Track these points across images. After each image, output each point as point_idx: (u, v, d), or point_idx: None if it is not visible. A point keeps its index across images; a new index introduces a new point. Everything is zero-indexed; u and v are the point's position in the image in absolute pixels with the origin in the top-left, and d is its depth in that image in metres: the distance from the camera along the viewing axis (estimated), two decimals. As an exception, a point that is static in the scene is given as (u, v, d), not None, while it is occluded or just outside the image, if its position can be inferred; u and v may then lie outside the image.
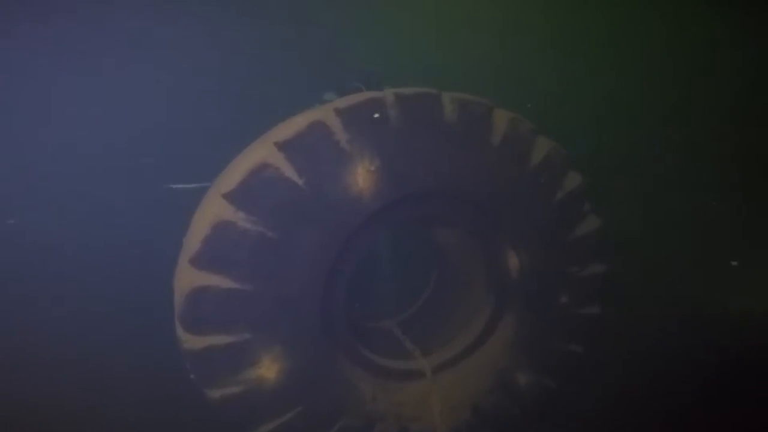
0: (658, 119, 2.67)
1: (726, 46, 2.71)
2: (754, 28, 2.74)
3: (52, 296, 2.30)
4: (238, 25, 2.72)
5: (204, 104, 2.62)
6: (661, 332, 2.52)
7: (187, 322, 1.49)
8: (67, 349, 2.19)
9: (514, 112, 2.01)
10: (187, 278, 1.46)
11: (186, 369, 1.53)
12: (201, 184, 1.70)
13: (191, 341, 1.49)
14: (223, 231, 1.46)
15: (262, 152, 1.48)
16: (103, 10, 2.48)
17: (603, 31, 2.75)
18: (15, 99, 2.40)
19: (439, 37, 2.81)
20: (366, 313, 2.61)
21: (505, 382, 2.27)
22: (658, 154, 2.53)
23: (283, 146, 1.49)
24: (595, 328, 2.34)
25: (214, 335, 1.50)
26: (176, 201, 1.62)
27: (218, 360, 1.51)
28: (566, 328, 2.31)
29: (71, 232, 2.37)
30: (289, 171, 1.48)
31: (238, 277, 1.48)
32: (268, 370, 1.59)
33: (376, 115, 1.60)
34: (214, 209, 1.47)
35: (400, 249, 2.59)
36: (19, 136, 2.41)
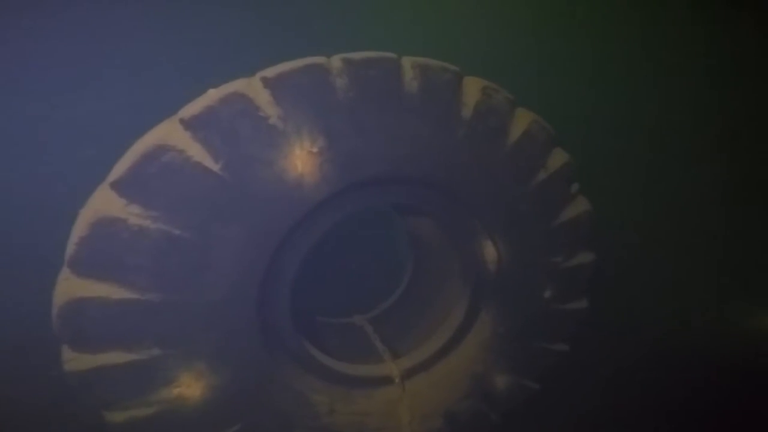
0: (658, 88, 2.38)
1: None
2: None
3: None
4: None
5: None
6: (657, 329, 2.31)
7: (68, 338, 1.22)
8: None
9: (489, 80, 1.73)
10: (65, 287, 1.19)
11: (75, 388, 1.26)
12: None
13: (75, 360, 1.22)
14: (107, 230, 1.16)
15: (160, 132, 1.18)
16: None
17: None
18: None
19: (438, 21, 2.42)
20: (323, 313, 2.37)
21: (482, 385, 2.04)
22: (659, 130, 2.24)
23: (189, 123, 1.18)
24: (584, 323, 2.11)
25: (107, 353, 1.23)
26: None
27: (117, 380, 1.24)
28: (550, 325, 2.07)
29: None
30: (198, 154, 1.19)
31: (135, 286, 1.20)
32: (189, 388, 1.34)
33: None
34: (96, 203, 1.17)
35: (365, 239, 2.35)
36: None
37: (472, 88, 1.63)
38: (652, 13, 2.30)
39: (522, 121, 1.72)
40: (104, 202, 1.15)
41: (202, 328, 1.32)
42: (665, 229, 2.31)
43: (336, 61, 1.44)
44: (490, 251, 1.94)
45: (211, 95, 1.20)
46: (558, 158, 1.80)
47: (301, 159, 1.38)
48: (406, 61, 1.50)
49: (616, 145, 2.20)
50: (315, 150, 1.41)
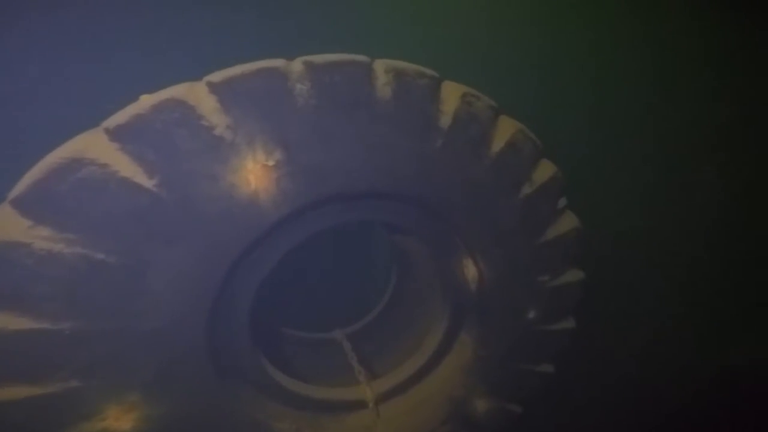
0: (653, 96, 2.23)
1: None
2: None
3: None
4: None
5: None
6: (645, 348, 2.19)
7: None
8: None
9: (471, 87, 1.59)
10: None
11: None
12: None
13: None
14: (6, 256, 1.00)
15: (79, 143, 1.02)
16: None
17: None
18: None
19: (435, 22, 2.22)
20: (297, 328, 2.22)
21: (462, 410, 1.91)
22: (655, 140, 2.08)
23: (116, 134, 1.03)
24: (570, 344, 1.99)
25: (10, 387, 1.08)
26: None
27: (24, 414, 1.10)
28: (535, 346, 1.95)
29: None
30: (127, 169, 1.03)
31: (44, 315, 1.05)
32: (118, 420, 1.18)
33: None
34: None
35: (350, 249, 2.20)
36: None
37: (452, 95, 1.48)
38: (646, 18, 2.14)
39: (505, 130, 1.58)
40: (3, 224, 1.00)
41: (137, 356, 1.17)
42: (658, 245, 2.18)
43: (296, 65, 1.28)
44: (470, 270, 1.81)
45: (143, 102, 1.05)
46: (544, 171, 1.66)
47: (255, 174, 1.23)
48: (379, 65, 1.35)
49: (607, 156, 2.05)
50: (271, 163, 1.26)
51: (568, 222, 1.75)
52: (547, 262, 1.77)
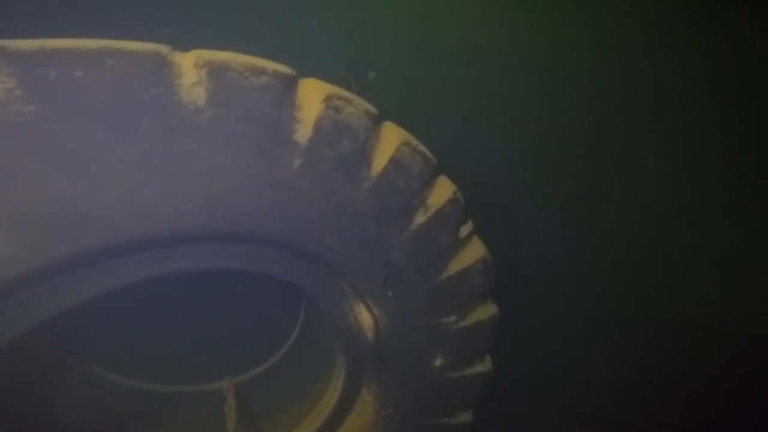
0: (568, 96, 2.02)
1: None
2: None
3: None
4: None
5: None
6: (572, 387, 1.98)
7: None
8: None
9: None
10: None
11: None
12: None
13: None
14: None
15: None
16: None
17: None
18: None
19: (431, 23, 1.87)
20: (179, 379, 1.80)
21: (365, 486, 1.58)
22: (578, 148, 1.86)
23: None
24: (489, 387, 1.72)
25: None
26: None
27: None
28: (448, 397, 1.65)
29: None
30: None
31: None
32: None
33: None
34: None
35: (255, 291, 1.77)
36: None
37: (312, 98, 1.12)
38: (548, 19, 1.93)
39: (389, 143, 1.25)
40: None
41: None
42: (581, 274, 1.97)
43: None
44: (364, 316, 1.46)
45: None
46: (442, 192, 1.35)
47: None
48: (185, 58, 0.95)
49: (518, 170, 1.77)
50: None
51: (474, 251, 1.45)
52: (451, 300, 1.46)
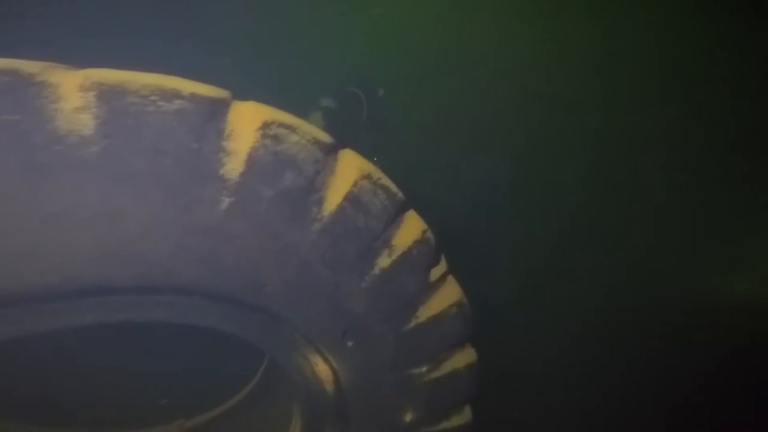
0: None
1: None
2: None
3: None
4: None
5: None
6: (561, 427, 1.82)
7: None
8: None
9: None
10: None
11: None
12: None
13: None
14: None
15: None
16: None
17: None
18: None
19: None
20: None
21: None
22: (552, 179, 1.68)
23: None
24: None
25: None
26: None
27: None
28: (421, 453, 1.48)
29: None
30: None
31: None
32: None
33: None
34: None
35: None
36: None
37: (246, 125, 0.93)
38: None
39: (345, 176, 1.06)
40: None
41: None
42: (567, 314, 1.79)
43: None
44: (321, 368, 1.28)
45: None
46: (409, 230, 1.16)
47: None
48: (67, 78, 0.76)
49: (496, 204, 1.59)
50: None
51: (447, 295, 1.27)
52: (422, 350, 1.28)
